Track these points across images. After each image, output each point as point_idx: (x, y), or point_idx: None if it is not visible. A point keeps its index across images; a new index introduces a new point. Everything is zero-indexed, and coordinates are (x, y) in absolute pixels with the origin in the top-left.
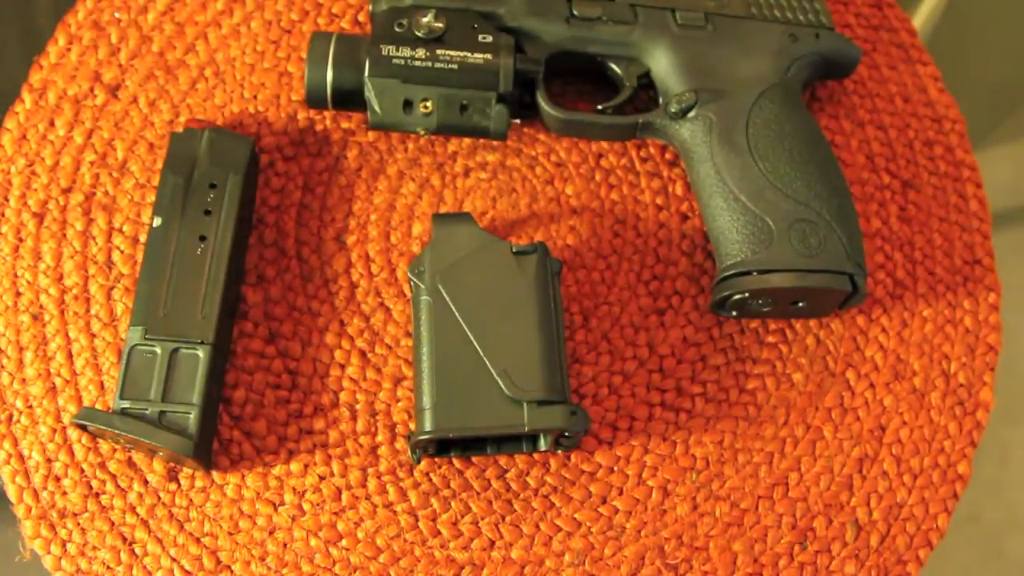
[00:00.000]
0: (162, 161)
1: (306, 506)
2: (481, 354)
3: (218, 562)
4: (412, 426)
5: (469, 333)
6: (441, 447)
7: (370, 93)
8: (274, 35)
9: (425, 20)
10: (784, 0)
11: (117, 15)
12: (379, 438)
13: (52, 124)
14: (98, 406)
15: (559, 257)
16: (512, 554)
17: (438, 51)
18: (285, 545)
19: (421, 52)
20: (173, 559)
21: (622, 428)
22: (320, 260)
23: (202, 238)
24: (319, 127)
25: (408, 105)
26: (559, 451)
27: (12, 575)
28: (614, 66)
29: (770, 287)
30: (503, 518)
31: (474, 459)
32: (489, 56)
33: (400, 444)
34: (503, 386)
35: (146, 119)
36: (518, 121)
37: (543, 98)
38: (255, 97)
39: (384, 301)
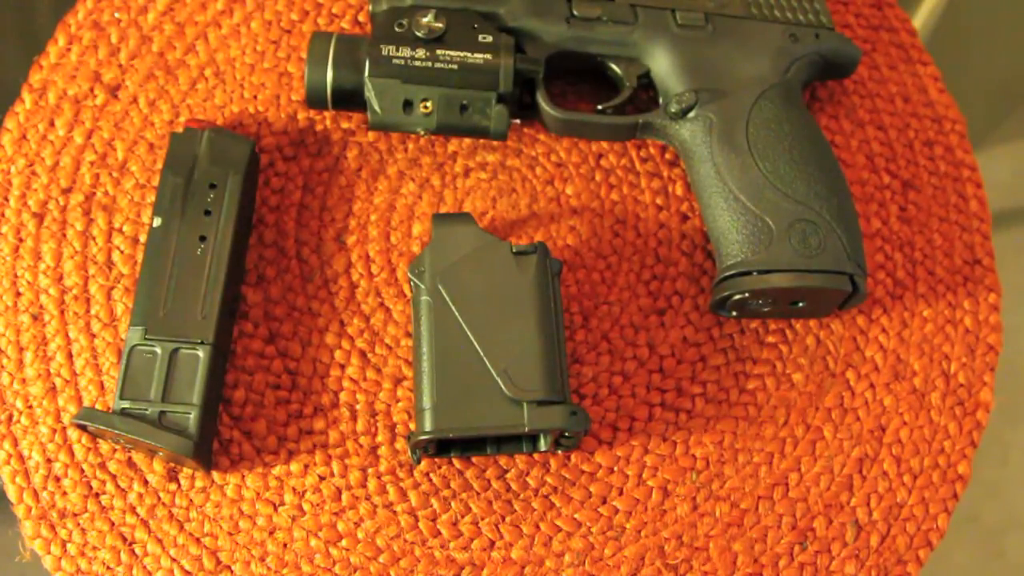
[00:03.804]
0: (162, 161)
1: (306, 506)
2: (481, 354)
3: (218, 562)
4: (412, 426)
5: (469, 333)
6: (441, 447)
7: (370, 93)
8: (274, 35)
9: (425, 20)
10: (784, 0)
11: (117, 15)
12: (379, 438)
13: (52, 124)
14: (98, 406)
15: (559, 257)
16: (512, 554)
17: (438, 51)
18: (285, 545)
19: (421, 52)
20: (173, 559)
21: (622, 428)
22: (320, 260)
23: (202, 238)
24: (319, 127)
25: (408, 105)
26: (559, 451)
27: (12, 575)
28: (614, 66)
29: (770, 287)
30: (503, 518)
31: (474, 459)
32: (489, 56)
33: (400, 444)
34: (503, 386)
35: (146, 119)
36: (518, 121)
37: (543, 98)
38: (255, 97)
39: (384, 301)
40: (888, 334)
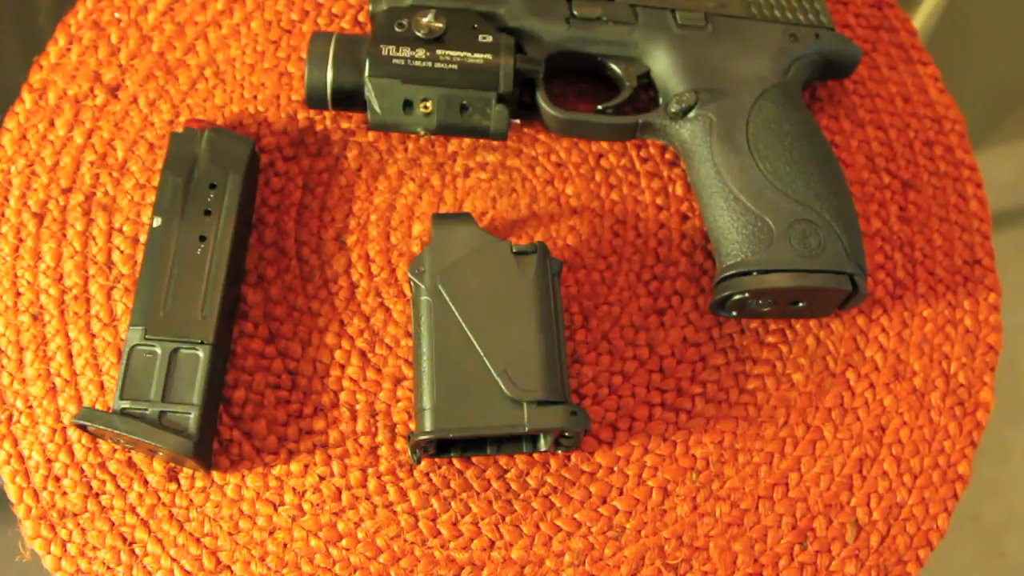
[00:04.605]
0: (162, 161)
1: (306, 506)
2: (481, 354)
3: (218, 562)
4: (412, 426)
5: (469, 333)
6: (441, 447)
7: (370, 93)
8: (274, 35)
9: (425, 20)
10: (784, 0)
11: (117, 15)
12: (379, 438)
13: (52, 124)
14: (98, 406)
15: (559, 257)
16: (512, 554)
17: (438, 51)
18: (285, 545)
19: (421, 52)
20: (173, 559)
21: (622, 428)
22: (320, 260)
23: (202, 238)
24: (319, 127)
25: (408, 105)
26: (559, 451)
27: (12, 575)
28: (614, 66)
29: (770, 287)
30: (503, 518)
31: (474, 459)
32: (489, 56)
33: (400, 444)
34: (503, 386)
35: (146, 119)
36: (518, 121)
37: (543, 98)
38: (255, 97)
39: (384, 301)
40: (888, 334)
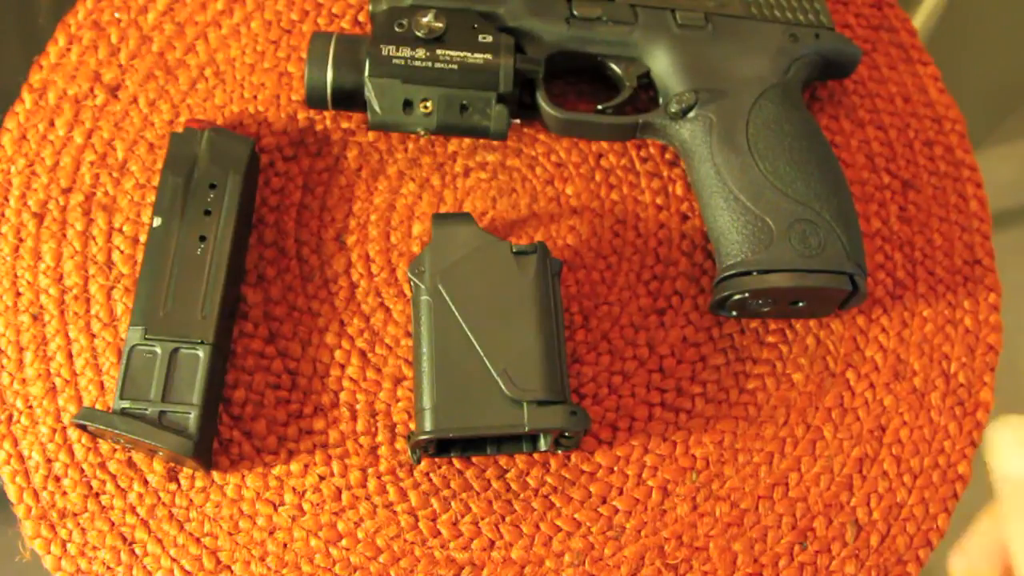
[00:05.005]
0: (162, 161)
1: (306, 506)
2: (481, 354)
3: (218, 562)
4: (412, 426)
5: (469, 333)
6: (441, 447)
7: (370, 93)
8: (274, 35)
9: (425, 20)
10: (784, 0)
11: (117, 15)
12: (379, 438)
13: (52, 124)
14: (98, 406)
15: (559, 257)
16: (512, 554)
17: (438, 51)
18: (285, 545)
19: (421, 52)
20: (173, 559)
21: (622, 428)
22: (320, 260)
23: (202, 238)
24: (319, 127)
25: (408, 105)
26: (559, 451)
27: (12, 575)
28: (614, 66)
29: (770, 287)
30: (503, 518)
31: (474, 459)
32: (489, 56)
33: (400, 444)
34: (503, 386)
35: (146, 119)
36: (518, 121)
37: (543, 98)
38: (255, 97)
39: (384, 301)
40: (888, 334)
